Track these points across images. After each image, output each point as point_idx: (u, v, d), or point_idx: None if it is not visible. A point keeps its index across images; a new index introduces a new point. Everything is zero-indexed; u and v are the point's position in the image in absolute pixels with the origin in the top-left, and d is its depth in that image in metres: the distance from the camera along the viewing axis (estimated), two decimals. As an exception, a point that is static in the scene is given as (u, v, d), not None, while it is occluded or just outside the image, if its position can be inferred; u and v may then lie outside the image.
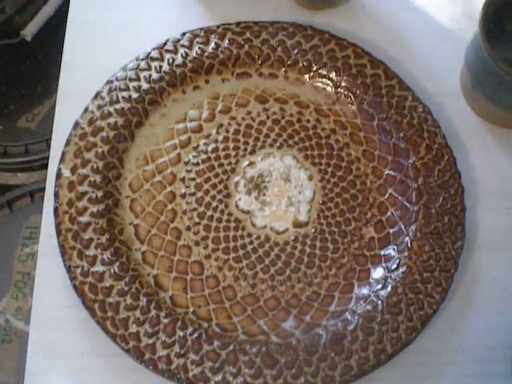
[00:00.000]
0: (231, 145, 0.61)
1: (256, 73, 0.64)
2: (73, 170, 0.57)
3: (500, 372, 0.55)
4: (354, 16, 0.69)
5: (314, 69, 0.64)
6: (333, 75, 0.63)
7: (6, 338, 0.87)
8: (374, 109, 0.62)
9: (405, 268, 0.56)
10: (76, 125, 0.59)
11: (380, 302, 0.54)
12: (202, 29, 0.65)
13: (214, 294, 0.55)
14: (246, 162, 0.60)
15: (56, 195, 0.57)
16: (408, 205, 0.59)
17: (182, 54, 0.63)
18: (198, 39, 0.64)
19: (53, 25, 1.03)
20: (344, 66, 0.63)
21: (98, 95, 0.61)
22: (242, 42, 0.64)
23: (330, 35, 0.65)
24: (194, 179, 0.59)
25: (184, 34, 0.64)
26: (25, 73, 1.04)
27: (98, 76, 0.62)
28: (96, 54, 0.66)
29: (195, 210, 0.58)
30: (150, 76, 0.62)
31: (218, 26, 0.65)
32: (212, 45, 0.64)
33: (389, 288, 0.55)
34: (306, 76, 0.64)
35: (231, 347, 0.52)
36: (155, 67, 0.62)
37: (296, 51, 0.64)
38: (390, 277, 0.56)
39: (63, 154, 0.58)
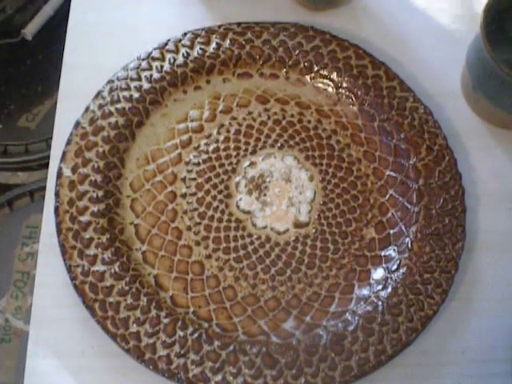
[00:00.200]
0: (232, 145, 0.61)
1: (257, 73, 0.64)
2: (74, 170, 0.57)
3: (500, 373, 0.55)
4: (355, 17, 0.69)
5: (315, 69, 0.64)
6: (334, 76, 0.64)
7: (5, 337, 0.87)
8: (375, 110, 0.62)
9: (405, 269, 0.56)
10: (77, 124, 0.59)
11: (380, 303, 0.54)
12: (203, 29, 0.65)
13: (215, 294, 0.55)
14: (247, 163, 0.60)
15: (57, 194, 0.56)
16: (409, 206, 0.59)
17: (183, 54, 0.63)
18: (199, 39, 0.64)
19: (53, 24, 1.03)
20: (345, 67, 0.64)
21: (99, 94, 0.61)
22: (244, 43, 0.64)
23: (332, 36, 0.65)
24: (194, 179, 0.59)
25: (185, 33, 0.64)
26: (25, 72, 1.04)
27: (99, 76, 0.62)
28: (97, 54, 0.66)
29: (196, 209, 0.58)
30: (151, 76, 0.62)
31: (219, 26, 0.65)
32: (213, 45, 0.64)
33: (389, 289, 0.55)
34: (307, 77, 0.64)
35: (231, 347, 0.52)
36: (156, 67, 0.62)
37: (297, 52, 0.64)
38: (391, 278, 0.56)
39: (64, 153, 0.58)
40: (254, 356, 0.52)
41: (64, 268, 0.54)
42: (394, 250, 0.57)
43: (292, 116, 0.63)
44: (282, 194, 0.59)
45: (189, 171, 0.60)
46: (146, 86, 0.62)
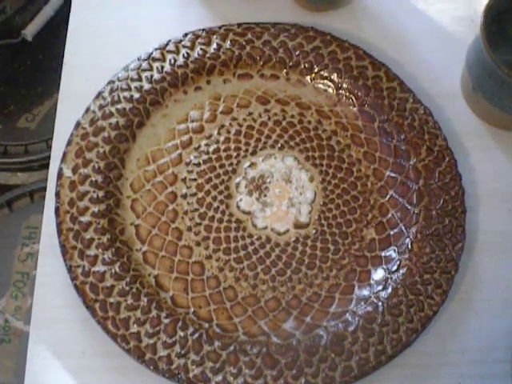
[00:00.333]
0: (232, 145, 0.61)
1: (257, 74, 0.64)
2: (74, 170, 0.58)
3: (500, 373, 0.55)
4: (355, 18, 0.69)
5: (316, 70, 0.64)
6: (334, 77, 0.64)
7: (5, 337, 0.87)
8: (375, 111, 0.62)
9: (405, 269, 0.56)
10: (77, 125, 0.59)
11: (380, 304, 0.54)
12: (203, 29, 0.65)
13: (215, 295, 0.55)
14: (248, 163, 0.61)
15: (57, 195, 0.57)
16: (409, 206, 0.59)
17: (183, 55, 0.63)
18: (199, 40, 0.64)
19: (53, 25, 1.04)
20: (345, 68, 0.64)
21: (99, 95, 0.61)
22: (244, 43, 0.64)
23: (332, 37, 0.65)
24: (195, 180, 0.59)
25: (186, 34, 0.64)
26: (25, 73, 1.04)
27: (99, 76, 0.62)
28: (97, 55, 0.66)
29: (196, 210, 0.58)
30: (152, 76, 0.62)
31: (219, 27, 0.65)
32: (214, 46, 0.64)
33: (389, 289, 0.55)
34: (308, 77, 0.64)
35: (232, 348, 0.52)
36: (157, 68, 0.63)
37: (298, 53, 0.64)
38: (391, 278, 0.56)
39: (64, 153, 0.58)
40: (254, 356, 0.52)
41: (64, 268, 0.54)
42: (394, 250, 0.57)
43: (292, 117, 0.63)
44: (283, 195, 0.59)
45: (189, 172, 0.60)
46: (146, 86, 0.62)
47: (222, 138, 0.61)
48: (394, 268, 0.56)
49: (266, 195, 0.59)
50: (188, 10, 0.69)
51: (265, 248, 0.57)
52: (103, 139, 0.59)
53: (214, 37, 0.64)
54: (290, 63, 0.64)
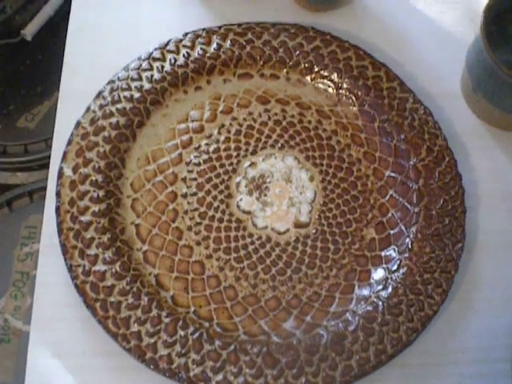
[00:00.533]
0: (232, 145, 0.61)
1: (257, 74, 0.64)
2: (74, 170, 0.58)
3: (500, 372, 0.55)
4: (355, 18, 0.69)
5: (316, 70, 0.64)
6: (334, 77, 0.64)
7: (4, 337, 0.87)
8: (376, 110, 0.62)
9: (405, 269, 0.56)
10: (78, 124, 0.59)
11: (380, 303, 0.54)
12: (204, 29, 0.65)
13: (215, 294, 0.55)
14: (248, 163, 0.61)
15: (58, 194, 0.57)
16: (409, 206, 0.59)
17: (183, 55, 0.63)
18: (199, 40, 0.64)
19: (53, 25, 1.04)
20: (345, 68, 0.64)
21: (99, 95, 0.61)
22: (244, 43, 0.64)
23: (332, 37, 0.65)
24: (195, 179, 0.59)
25: (186, 34, 0.64)
26: (25, 73, 1.04)
27: (100, 76, 0.62)
28: (97, 54, 0.66)
29: (196, 210, 0.58)
30: (152, 76, 0.62)
31: (219, 27, 0.65)
32: (214, 45, 0.64)
33: (389, 289, 0.55)
34: (308, 77, 0.64)
35: (232, 347, 0.52)
36: (157, 67, 0.63)
37: (298, 52, 0.64)
38: (391, 278, 0.56)
39: (65, 153, 0.58)
40: (254, 356, 0.52)
41: (65, 268, 0.54)
42: (395, 250, 0.57)
43: (292, 116, 0.63)
44: (283, 195, 0.60)
45: (189, 171, 0.60)
46: (146, 86, 0.62)
47: (222, 138, 0.61)
48: (394, 267, 0.56)
49: (266, 195, 0.59)
50: (188, 9, 0.69)
51: (265, 247, 0.57)
52: (103, 139, 0.59)
53: (215, 36, 0.64)
54: (290, 63, 0.64)
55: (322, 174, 0.60)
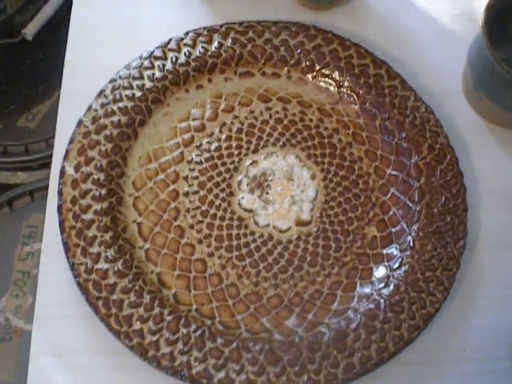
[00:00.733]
0: (234, 144, 0.61)
1: (259, 72, 0.64)
2: (76, 168, 0.58)
3: (502, 370, 0.55)
4: (356, 16, 0.69)
5: (317, 68, 0.64)
6: (336, 75, 0.64)
7: (5, 336, 0.87)
8: (377, 109, 0.62)
9: (407, 267, 0.56)
10: (79, 123, 0.59)
11: (382, 301, 0.54)
12: (205, 28, 0.65)
13: (217, 292, 0.55)
14: (249, 161, 0.61)
15: (60, 193, 0.57)
16: (410, 204, 0.59)
17: (185, 53, 0.63)
18: (201, 38, 0.64)
19: (53, 24, 1.04)
20: (347, 66, 0.64)
21: (101, 93, 0.61)
22: (245, 42, 0.64)
23: (333, 35, 0.65)
24: (197, 178, 0.59)
25: (187, 33, 0.64)
26: (25, 72, 1.04)
27: (101, 74, 0.62)
28: (98, 53, 0.66)
29: (198, 208, 0.58)
30: (154, 75, 0.62)
31: (221, 26, 0.65)
32: (215, 44, 0.64)
33: (391, 287, 0.55)
34: (309, 75, 0.64)
35: (234, 344, 0.52)
36: (158, 66, 0.63)
37: (299, 51, 0.64)
38: (393, 276, 0.56)
39: (67, 151, 0.58)
40: (256, 353, 0.52)
41: (67, 266, 0.54)
42: (396, 248, 0.57)
43: (294, 115, 0.63)
44: (284, 193, 0.60)
45: (191, 170, 0.60)
46: (148, 84, 0.62)
47: (223, 136, 0.61)
48: (396, 265, 0.56)
49: (267, 193, 0.59)
50: (189, 8, 0.69)
51: (267, 246, 0.57)
52: (105, 137, 0.59)
53: (216, 35, 0.64)
54: (292, 61, 0.64)
55: (323, 173, 0.61)
